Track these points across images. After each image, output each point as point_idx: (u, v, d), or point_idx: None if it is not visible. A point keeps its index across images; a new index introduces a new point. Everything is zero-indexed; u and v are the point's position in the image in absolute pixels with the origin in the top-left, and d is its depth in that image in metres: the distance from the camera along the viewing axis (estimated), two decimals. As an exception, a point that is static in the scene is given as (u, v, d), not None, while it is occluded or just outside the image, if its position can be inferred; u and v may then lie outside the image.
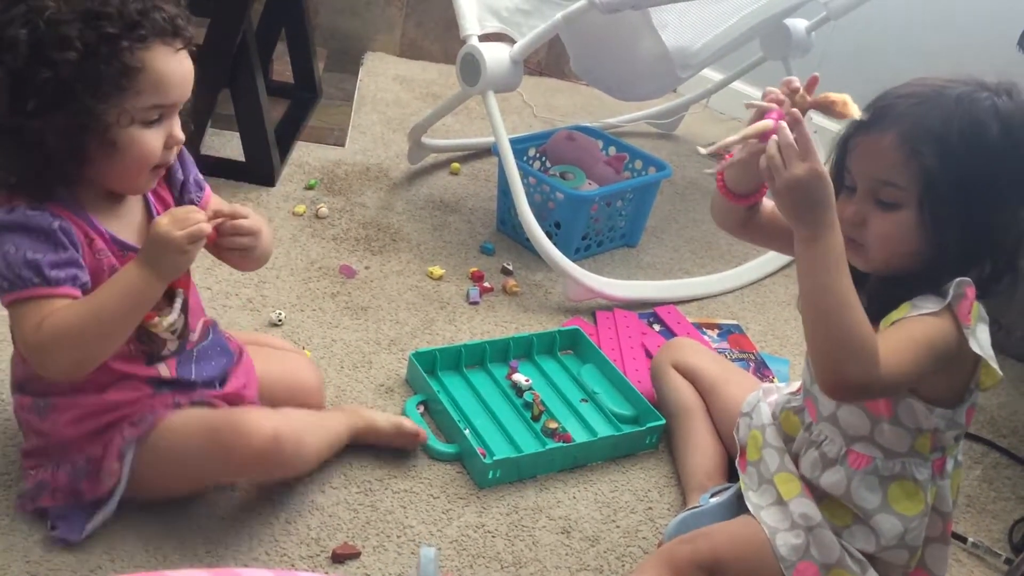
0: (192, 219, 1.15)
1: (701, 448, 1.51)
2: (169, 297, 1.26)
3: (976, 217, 1.14)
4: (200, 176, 1.32)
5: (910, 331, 1.13)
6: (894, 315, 1.17)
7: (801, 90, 1.14)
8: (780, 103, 1.13)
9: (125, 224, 1.22)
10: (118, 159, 1.14)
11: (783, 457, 1.33)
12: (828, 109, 1.14)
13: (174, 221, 1.14)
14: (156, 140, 1.16)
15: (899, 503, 1.23)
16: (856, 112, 1.13)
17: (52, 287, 1.12)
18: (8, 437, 1.37)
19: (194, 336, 1.32)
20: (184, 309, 1.28)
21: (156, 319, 1.23)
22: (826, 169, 1.11)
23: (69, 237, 1.14)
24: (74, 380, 1.19)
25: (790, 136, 1.08)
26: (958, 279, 1.15)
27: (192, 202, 1.29)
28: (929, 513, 1.25)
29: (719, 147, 1.14)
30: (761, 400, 1.43)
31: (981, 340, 1.16)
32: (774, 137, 1.10)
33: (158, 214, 1.24)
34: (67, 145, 1.11)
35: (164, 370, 1.27)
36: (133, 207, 1.25)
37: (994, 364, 1.16)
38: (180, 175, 1.29)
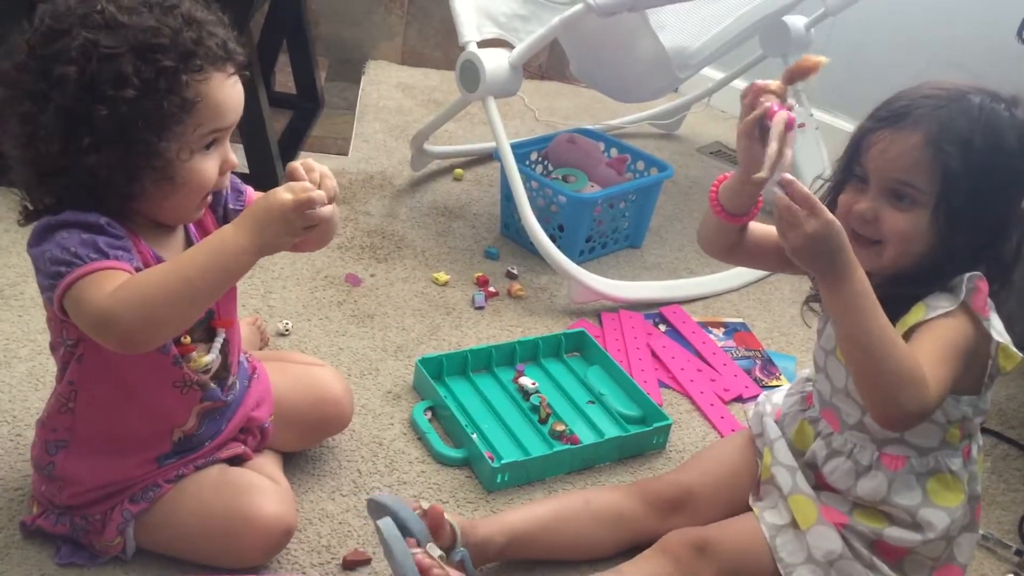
0: (314, 200, 1.06)
1: None
2: (209, 334, 1.22)
3: (986, 221, 1.16)
4: (236, 180, 1.25)
5: (937, 340, 1.14)
6: (910, 319, 1.17)
7: (771, 84, 1.15)
8: (771, 92, 1.15)
9: (171, 254, 1.16)
10: (173, 192, 1.10)
11: (795, 476, 1.31)
12: (803, 74, 1.15)
13: (295, 202, 1.05)
14: (212, 168, 1.12)
15: (940, 496, 1.24)
16: (821, 57, 1.15)
17: (113, 261, 1.05)
18: (28, 442, 1.38)
19: (232, 380, 1.27)
20: (224, 350, 1.23)
21: (193, 354, 1.19)
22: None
23: (119, 231, 1.08)
24: (141, 349, 1.07)
25: (787, 200, 1.08)
26: (968, 274, 1.16)
27: (236, 212, 1.22)
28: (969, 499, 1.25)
29: (771, 164, 1.12)
30: (765, 415, 1.41)
31: (997, 326, 1.18)
32: (779, 204, 1.10)
33: (197, 239, 1.19)
34: (122, 180, 1.07)
35: (191, 422, 1.23)
36: (177, 233, 1.20)
37: (1013, 348, 1.17)
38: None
